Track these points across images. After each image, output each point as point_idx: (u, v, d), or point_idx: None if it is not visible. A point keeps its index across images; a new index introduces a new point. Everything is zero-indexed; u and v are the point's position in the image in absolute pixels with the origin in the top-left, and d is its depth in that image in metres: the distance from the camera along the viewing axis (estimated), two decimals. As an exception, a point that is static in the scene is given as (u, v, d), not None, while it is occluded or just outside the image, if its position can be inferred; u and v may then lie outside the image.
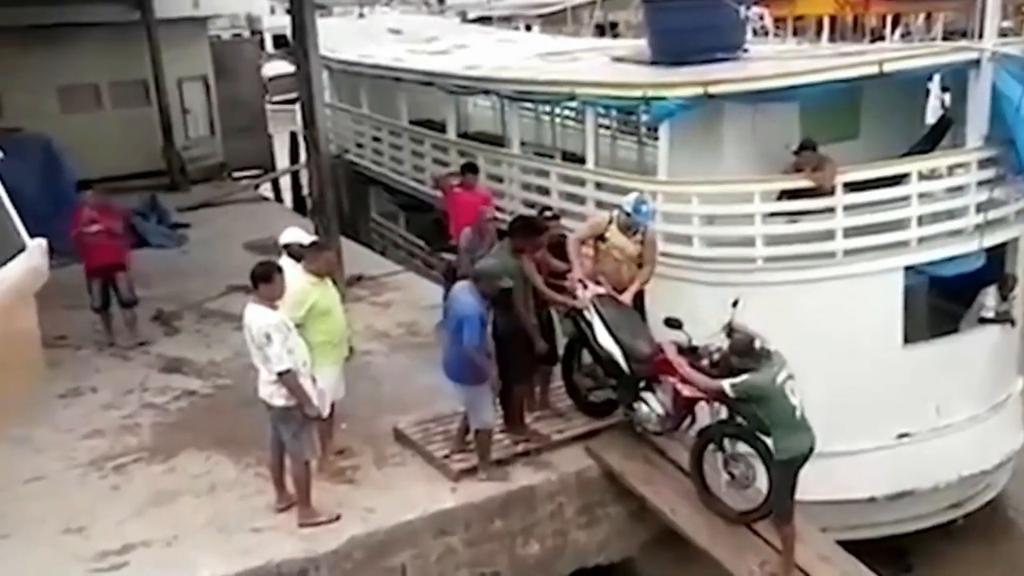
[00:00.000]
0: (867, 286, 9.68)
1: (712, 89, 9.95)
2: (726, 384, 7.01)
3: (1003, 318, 10.49)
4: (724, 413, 7.49)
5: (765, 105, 10.20)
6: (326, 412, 7.72)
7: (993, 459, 10.45)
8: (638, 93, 10.69)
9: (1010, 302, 10.52)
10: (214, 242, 15.31)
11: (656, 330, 8.32)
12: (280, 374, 6.97)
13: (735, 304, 7.42)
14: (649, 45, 12.61)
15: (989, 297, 10.52)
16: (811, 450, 6.93)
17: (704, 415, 7.68)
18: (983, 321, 10.52)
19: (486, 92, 14.42)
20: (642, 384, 8.15)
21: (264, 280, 7.03)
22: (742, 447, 7.44)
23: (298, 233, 8.27)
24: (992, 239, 10.08)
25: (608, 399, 8.67)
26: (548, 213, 9.69)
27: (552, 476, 8.12)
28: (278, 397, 7.11)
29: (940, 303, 10.69)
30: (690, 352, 7.70)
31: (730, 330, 7.43)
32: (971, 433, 10.14)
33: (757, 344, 7.00)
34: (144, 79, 19.15)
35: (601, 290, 8.41)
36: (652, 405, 8.07)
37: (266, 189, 22.32)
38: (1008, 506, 11.09)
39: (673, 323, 7.85)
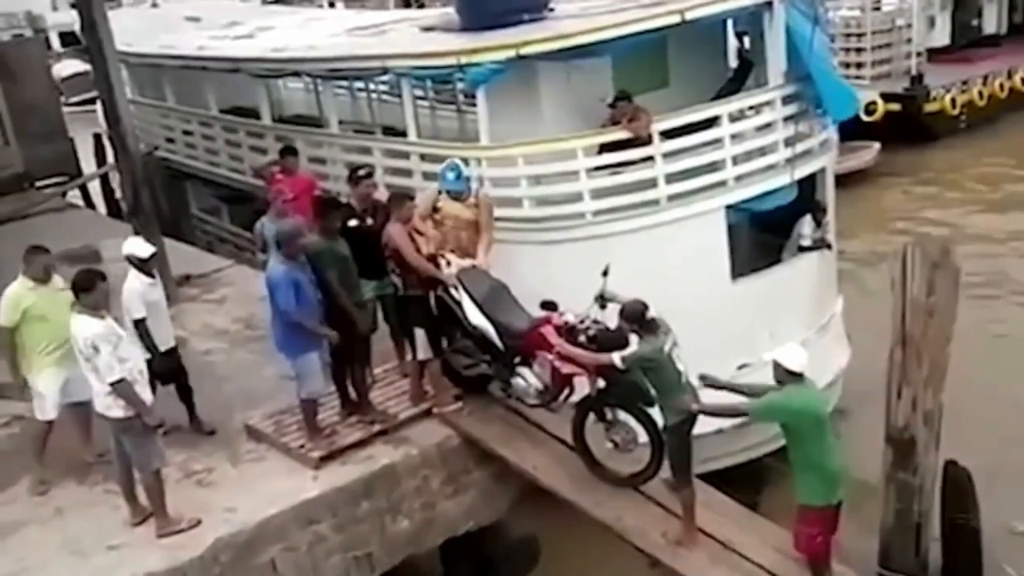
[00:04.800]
0: (692, 228, 10.04)
1: (524, 50, 10.02)
2: (616, 357, 6.91)
3: (820, 244, 11.13)
4: (601, 383, 7.43)
5: (577, 61, 10.37)
6: (49, 416, 7.76)
7: (825, 377, 11.03)
8: (451, 61, 10.65)
9: (824, 228, 11.17)
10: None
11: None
12: (113, 384, 6.72)
13: (605, 273, 7.41)
14: (457, 12, 12.57)
15: (805, 226, 11.14)
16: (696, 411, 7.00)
17: (583, 385, 7.63)
18: (802, 249, 11.11)
19: (296, 74, 14.11)
20: (518, 359, 7.99)
21: (86, 289, 6.79)
22: (621, 414, 7.49)
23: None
24: (802, 171, 10.64)
25: (483, 374, 8.48)
26: (361, 172, 9.08)
27: (413, 451, 8.11)
28: (115, 408, 6.85)
29: (762, 237, 11.22)
30: (567, 331, 7.55)
31: (602, 300, 7.45)
32: (803, 356, 10.70)
33: (649, 313, 6.89)
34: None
35: (466, 263, 8.20)
36: (529, 380, 7.92)
37: (75, 196, 21.15)
38: (842, 419, 11.74)
39: (549, 306, 7.75)
